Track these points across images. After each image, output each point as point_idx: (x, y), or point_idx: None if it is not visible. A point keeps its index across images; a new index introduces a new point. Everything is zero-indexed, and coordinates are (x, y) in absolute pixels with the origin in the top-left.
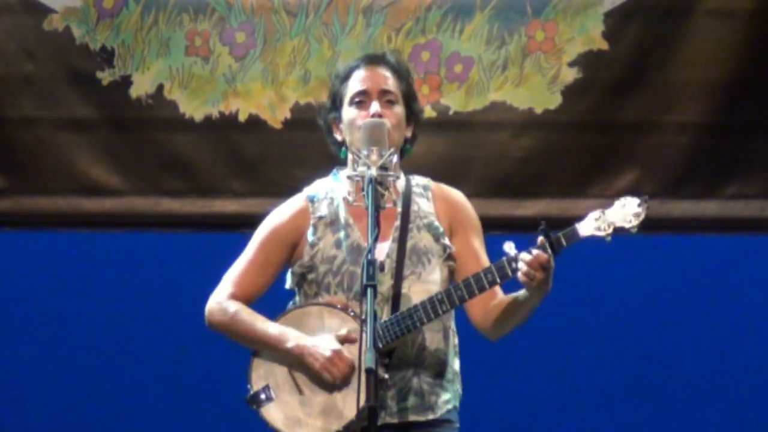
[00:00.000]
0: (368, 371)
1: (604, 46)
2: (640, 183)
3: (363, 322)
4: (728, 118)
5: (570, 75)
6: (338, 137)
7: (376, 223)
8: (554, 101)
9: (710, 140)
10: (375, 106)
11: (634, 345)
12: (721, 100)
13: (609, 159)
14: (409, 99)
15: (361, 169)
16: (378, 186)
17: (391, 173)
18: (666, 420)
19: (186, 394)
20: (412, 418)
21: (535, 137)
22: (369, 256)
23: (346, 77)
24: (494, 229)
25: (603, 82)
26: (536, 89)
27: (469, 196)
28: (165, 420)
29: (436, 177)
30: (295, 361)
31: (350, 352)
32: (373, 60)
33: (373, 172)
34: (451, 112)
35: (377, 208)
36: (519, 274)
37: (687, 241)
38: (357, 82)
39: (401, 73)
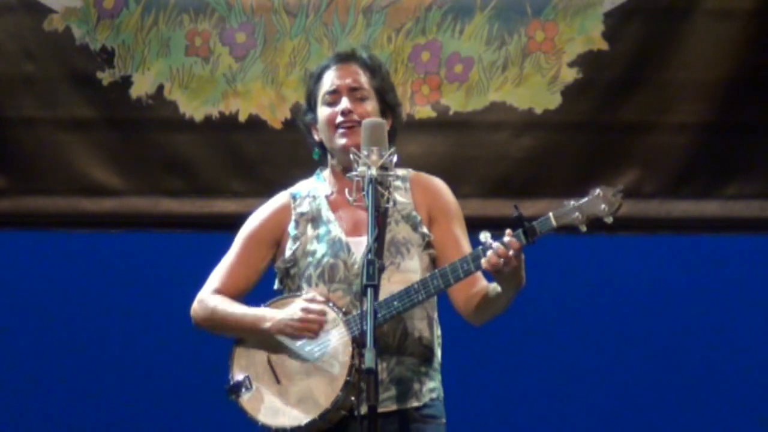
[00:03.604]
0: (368, 371)
1: (604, 46)
2: (640, 183)
3: (344, 313)
4: (728, 118)
5: (570, 75)
6: (316, 137)
7: (376, 224)
8: (554, 101)
9: (710, 140)
10: (344, 102)
11: (633, 345)
12: (721, 100)
13: (609, 159)
14: (383, 93)
15: (362, 169)
16: (378, 186)
17: (391, 173)
18: (665, 420)
19: (185, 392)
20: (396, 406)
21: (535, 137)
22: (369, 256)
23: (318, 77)
24: (494, 229)
25: (603, 83)
26: (536, 89)
27: (469, 196)
28: (164, 418)
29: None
30: (274, 348)
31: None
32: (343, 58)
33: (373, 172)
34: (451, 113)
35: (377, 208)
36: (483, 262)
37: (687, 241)
38: (327, 81)
39: (373, 68)
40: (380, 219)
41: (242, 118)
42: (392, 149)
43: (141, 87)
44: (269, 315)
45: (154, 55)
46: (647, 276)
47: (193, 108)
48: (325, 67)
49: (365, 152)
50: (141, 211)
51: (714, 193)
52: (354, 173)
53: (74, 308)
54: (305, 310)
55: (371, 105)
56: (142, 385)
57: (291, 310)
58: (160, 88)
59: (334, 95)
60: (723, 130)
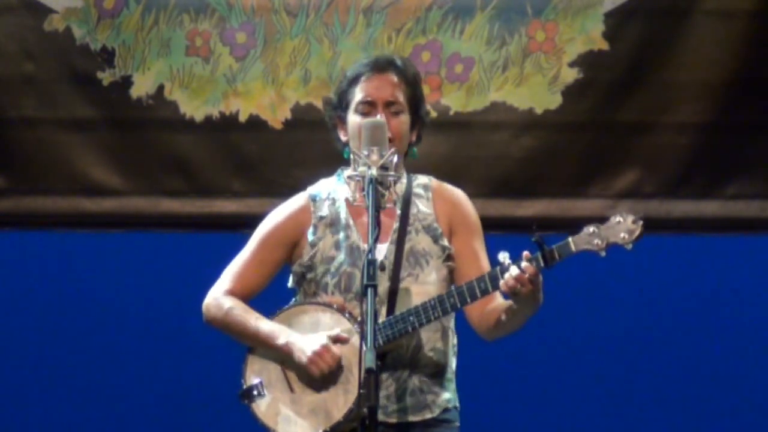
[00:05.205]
0: (368, 371)
1: (604, 46)
2: (640, 183)
3: (359, 324)
4: (728, 118)
5: (570, 75)
6: (343, 137)
7: (377, 223)
8: (555, 101)
9: (710, 140)
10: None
11: (634, 345)
12: (721, 100)
13: (609, 159)
14: (416, 104)
15: (362, 169)
16: (378, 186)
17: (392, 173)
18: (665, 420)
19: (185, 393)
20: (410, 418)
21: (535, 137)
22: (369, 256)
23: (353, 81)
24: (495, 229)
25: (603, 83)
26: (537, 89)
27: (469, 196)
28: (164, 418)
29: (437, 177)
30: (288, 359)
31: (340, 351)
32: (382, 67)
33: (374, 172)
34: (451, 113)
35: (377, 208)
36: (500, 283)
37: (687, 241)
38: (363, 90)
39: (408, 79)
40: (401, 224)
41: (242, 118)
42: (392, 149)
43: (141, 87)
44: (283, 332)
45: (154, 55)
46: (647, 276)
47: (194, 108)
48: (361, 73)
49: (365, 152)
50: (141, 211)
51: (714, 194)
52: (354, 173)
53: (74, 308)
54: (325, 348)
55: (405, 118)
56: (142, 386)
57: (312, 339)
58: (161, 88)
59: (369, 107)
60: (723, 130)
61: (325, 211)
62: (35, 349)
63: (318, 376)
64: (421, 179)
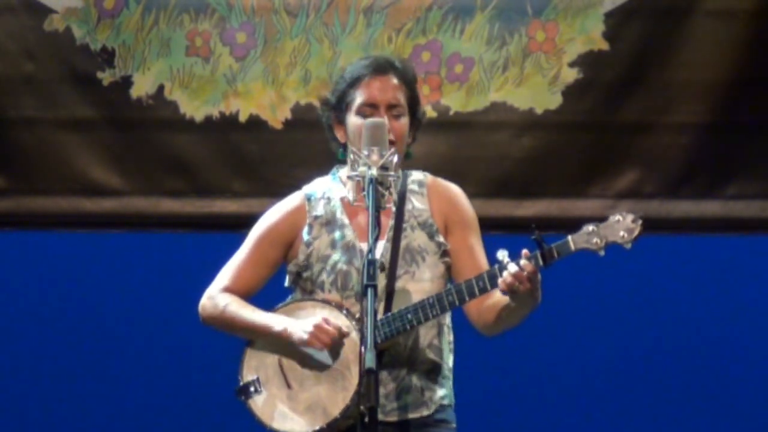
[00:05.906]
0: (368, 371)
1: (604, 46)
2: (640, 183)
3: (357, 321)
4: (728, 118)
5: (570, 75)
6: (340, 138)
7: (377, 224)
8: (555, 101)
9: (710, 140)
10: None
11: (634, 345)
12: (721, 100)
13: (609, 159)
14: (414, 106)
15: (362, 169)
16: (378, 186)
17: (392, 173)
18: (665, 420)
19: (184, 392)
20: (407, 415)
21: (535, 137)
22: (369, 256)
23: (353, 83)
24: (495, 229)
25: (603, 83)
26: (537, 89)
27: (469, 196)
28: (163, 416)
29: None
30: (287, 350)
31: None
32: (382, 69)
33: (374, 172)
34: (451, 113)
35: (377, 208)
36: (499, 281)
37: (687, 241)
38: (365, 92)
39: (407, 81)
40: (396, 221)
41: (242, 118)
42: (392, 149)
43: (141, 87)
44: (281, 320)
45: (154, 55)
46: (648, 276)
47: (194, 108)
48: (362, 75)
49: (365, 152)
50: (141, 211)
51: (714, 194)
52: (354, 173)
53: (74, 308)
54: (324, 320)
55: (405, 120)
56: (142, 385)
57: (309, 319)
58: (161, 88)
59: (371, 109)
60: (723, 130)
61: (320, 210)
62: (35, 349)
63: (321, 351)
64: (416, 175)
